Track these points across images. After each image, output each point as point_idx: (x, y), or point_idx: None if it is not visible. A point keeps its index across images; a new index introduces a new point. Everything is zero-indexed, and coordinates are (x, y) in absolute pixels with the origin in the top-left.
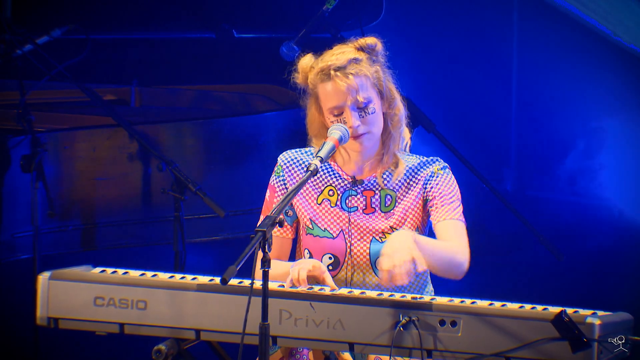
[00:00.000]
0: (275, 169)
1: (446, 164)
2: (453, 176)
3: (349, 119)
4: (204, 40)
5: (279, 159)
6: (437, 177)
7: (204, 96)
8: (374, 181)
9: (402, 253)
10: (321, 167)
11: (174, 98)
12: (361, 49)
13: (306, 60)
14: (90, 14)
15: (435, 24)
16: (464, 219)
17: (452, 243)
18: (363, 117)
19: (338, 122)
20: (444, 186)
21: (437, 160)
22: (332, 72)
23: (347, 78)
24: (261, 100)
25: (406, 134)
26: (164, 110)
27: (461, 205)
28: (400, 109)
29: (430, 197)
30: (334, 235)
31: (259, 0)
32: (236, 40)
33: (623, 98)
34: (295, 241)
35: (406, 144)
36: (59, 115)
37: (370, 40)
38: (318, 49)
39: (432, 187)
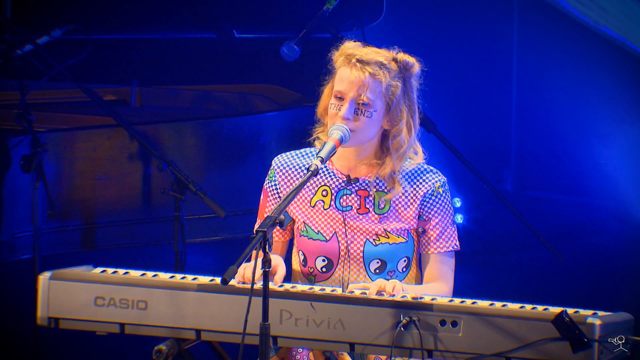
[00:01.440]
0: (269, 172)
1: (445, 178)
2: (449, 192)
3: (343, 109)
4: (204, 40)
5: (273, 162)
6: (437, 198)
7: (205, 96)
8: (369, 182)
9: (395, 284)
10: (322, 167)
11: (174, 98)
12: (396, 60)
13: (349, 44)
14: (90, 14)
15: (436, 24)
16: (457, 244)
17: (438, 287)
18: (357, 114)
19: (335, 108)
20: (442, 212)
21: (436, 172)
22: (353, 60)
23: (362, 73)
24: (261, 100)
25: (419, 154)
26: (164, 111)
27: (454, 227)
28: (404, 133)
29: (425, 219)
30: (327, 238)
31: (260, 0)
32: (237, 40)
33: (622, 98)
34: (291, 242)
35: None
36: (60, 116)
37: (409, 58)
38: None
39: (429, 209)
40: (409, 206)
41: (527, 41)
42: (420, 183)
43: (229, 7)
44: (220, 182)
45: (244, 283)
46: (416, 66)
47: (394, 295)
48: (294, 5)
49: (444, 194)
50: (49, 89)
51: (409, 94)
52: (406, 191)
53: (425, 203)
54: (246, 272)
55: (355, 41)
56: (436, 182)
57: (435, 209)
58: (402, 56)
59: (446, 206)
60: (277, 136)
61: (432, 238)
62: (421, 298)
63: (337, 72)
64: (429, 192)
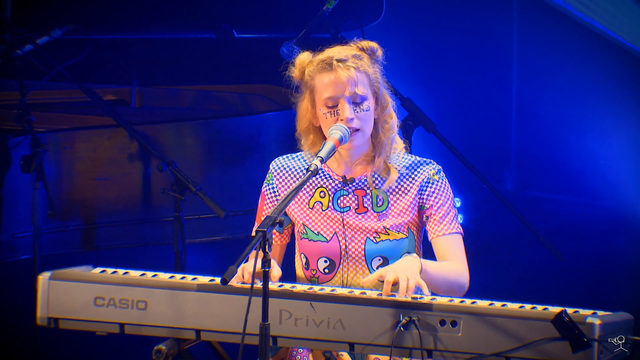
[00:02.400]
0: (267, 176)
1: (439, 167)
2: (446, 179)
3: (344, 111)
4: (204, 40)
5: (270, 165)
6: (434, 184)
7: (204, 96)
8: (365, 180)
9: (408, 272)
10: (321, 167)
11: (174, 98)
12: (363, 49)
13: (304, 55)
14: (90, 14)
15: (436, 24)
16: (460, 228)
17: (455, 265)
18: (357, 112)
19: (331, 115)
20: (441, 195)
21: (430, 162)
22: (334, 62)
23: (349, 70)
24: (261, 100)
25: (399, 142)
26: (164, 111)
27: (456, 211)
28: (393, 117)
29: (427, 206)
30: (328, 238)
31: (260, 0)
32: (236, 40)
33: (623, 98)
34: (289, 245)
35: (400, 151)
36: (60, 116)
37: (372, 43)
38: (318, 49)
39: (428, 196)
40: (405, 198)
41: (527, 41)
42: (416, 175)
43: (229, 7)
44: (220, 182)
45: (243, 283)
46: (379, 50)
47: (393, 294)
48: (294, 5)
49: (440, 180)
50: (49, 89)
51: (382, 77)
52: (402, 183)
53: (422, 192)
54: (245, 272)
55: (309, 52)
56: (430, 170)
57: (434, 195)
58: (366, 43)
59: (444, 191)
60: (277, 136)
61: (435, 221)
62: (421, 298)
63: (314, 83)
64: (425, 180)
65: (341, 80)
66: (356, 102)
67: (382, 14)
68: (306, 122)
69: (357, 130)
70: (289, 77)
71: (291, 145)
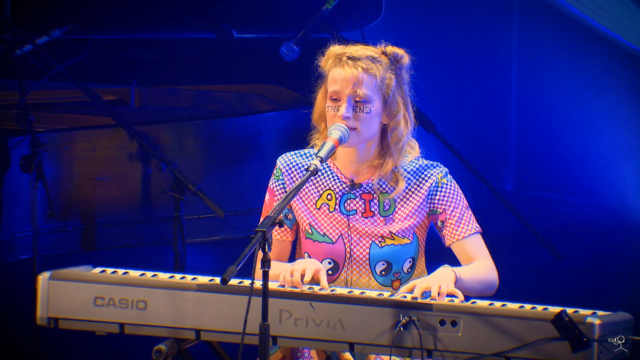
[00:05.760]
0: (275, 172)
1: (446, 169)
2: (454, 180)
3: (342, 108)
4: (203, 40)
5: (278, 161)
6: (443, 188)
7: (204, 96)
8: (372, 185)
9: (441, 281)
10: (321, 167)
11: (173, 98)
12: (385, 53)
13: (335, 47)
14: (90, 14)
15: (435, 24)
16: (478, 226)
17: (484, 264)
18: (357, 112)
19: (332, 110)
20: (454, 199)
21: (437, 165)
22: (344, 58)
23: (356, 69)
24: (261, 100)
25: (414, 148)
26: (164, 111)
27: (470, 210)
28: (402, 124)
29: (440, 211)
30: (333, 240)
31: (259, 0)
32: (236, 40)
33: (622, 98)
34: (295, 243)
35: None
36: (59, 116)
37: (398, 50)
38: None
39: (440, 200)
40: (412, 203)
41: (527, 41)
42: (423, 179)
43: (228, 7)
44: (220, 182)
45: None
46: (405, 57)
47: (393, 294)
48: (294, 5)
49: (449, 183)
50: (49, 89)
51: (402, 86)
52: (410, 189)
53: (432, 196)
54: (295, 275)
55: (339, 44)
56: (438, 174)
57: (446, 198)
58: (391, 49)
59: (456, 193)
60: (276, 136)
61: (453, 225)
62: (424, 298)
63: (328, 75)
64: (433, 184)
65: (346, 78)
66: (357, 102)
67: (381, 14)
68: (318, 111)
69: (354, 129)
70: (317, 63)
71: (291, 146)
